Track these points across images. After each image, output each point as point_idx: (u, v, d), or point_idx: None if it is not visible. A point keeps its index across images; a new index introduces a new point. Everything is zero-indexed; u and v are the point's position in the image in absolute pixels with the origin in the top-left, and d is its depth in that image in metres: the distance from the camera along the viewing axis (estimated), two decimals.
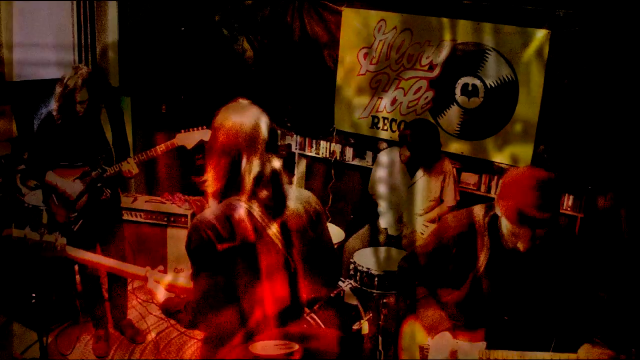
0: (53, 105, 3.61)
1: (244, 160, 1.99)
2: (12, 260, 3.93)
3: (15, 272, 4.03)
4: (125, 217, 4.87)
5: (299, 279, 2.18)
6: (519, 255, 2.38)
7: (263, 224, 2.02)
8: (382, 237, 4.38)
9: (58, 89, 3.57)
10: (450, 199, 4.28)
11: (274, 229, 2.05)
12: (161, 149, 3.82)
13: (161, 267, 2.34)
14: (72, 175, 3.73)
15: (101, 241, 3.94)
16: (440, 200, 4.31)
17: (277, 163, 2.06)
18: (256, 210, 2.01)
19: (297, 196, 2.16)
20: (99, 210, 3.83)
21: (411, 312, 2.71)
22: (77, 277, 4.35)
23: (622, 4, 3.98)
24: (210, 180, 2.03)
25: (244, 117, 2.03)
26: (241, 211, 1.99)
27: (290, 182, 2.18)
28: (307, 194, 2.24)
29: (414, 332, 2.64)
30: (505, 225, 2.35)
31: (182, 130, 3.84)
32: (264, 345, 2.08)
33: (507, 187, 2.32)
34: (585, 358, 2.29)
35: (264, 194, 2.02)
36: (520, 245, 2.33)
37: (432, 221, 4.27)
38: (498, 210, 2.37)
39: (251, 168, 1.99)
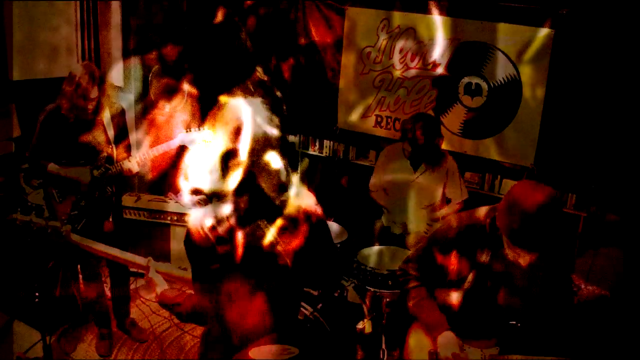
0: (60, 102, 3.60)
1: (241, 161, 1.96)
2: (16, 251, 3.93)
3: (18, 269, 4.04)
4: (129, 216, 4.87)
5: (296, 281, 2.18)
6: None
7: (260, 227, 2.01)
8: (385, 236, 4.37)
9: (68, 87, 3.55)
10: (456, 196, 4.26)
11: (271, 230, 2.03)
12: (162, 149, 3.83)
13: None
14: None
15: (102, 241, 3.93)
16: (445, 200, 4.29)
17: (278, 163, 2.04)
18: (253, 214, 2.00)
19: (294, 198, 2.14)
20: (101, 209, 3.84)
21: (412, 318, 2.70)
22: (80, 276, 4.37)
23: (626, 4, 3.97)
24: (207, 182, 2.01)
25: (240, 117, 1.99)
26: (238, 215, 1.98)
27: (289, 183, 2.15)
28: (305, 193, 2.22)
29: (421, 340, 2.62)
30: (504, 239, 2.34)
31: (189, 129, 3.85)
32: (263, 350, 2.07)
33: (507, 204, 2.27)
34: None
35: (260, 196, 2.00)
36: (522, 261, 2.31)
37: (436, 220, 4.25)
38: (498, 223, 2.35)
39: (247, 168, 1.97)
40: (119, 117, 3.86)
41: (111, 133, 3.78)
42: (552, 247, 2.27)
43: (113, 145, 3.80)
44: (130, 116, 5.54)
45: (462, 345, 2.49)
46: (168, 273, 2.24)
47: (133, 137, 4.60)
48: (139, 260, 2.32)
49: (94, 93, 3.57)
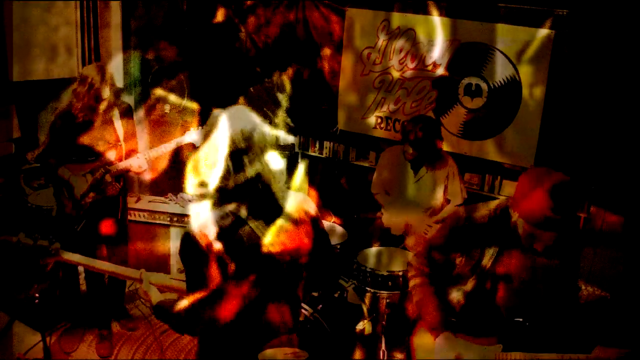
0: (72, 103, 3.64)
1: (236, 164, 1.96)
2: (11, 264, 3.94)
3: (17, 271, 4.04)
4: (129, 216, 4.87)
5: (294, 285, 2.17)
6: (530, 254, 2.38)
7: (256, 230, 2.00)
8: (385, 237, 4.37)
9: (81, 88, 3.60)
10: (457, 197, 4.26)
11: (267, 235, 2.02)
12: (170, 146, 3.86)
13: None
14: (84, 170, 3.76)
15: (107, 240, 3.94)
16: (447, 201, 4.29)
17: (274, 166, 2.03)
18: (249, 217, 1.99)
19: (291, 200, 2.13)
20: (106, 207, 3.85)
21: (411, 319, 2.70)
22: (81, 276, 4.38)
23: (626, 4, 3.97)
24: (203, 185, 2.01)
25: (233, 120, 1.99)
26: (234, 218, 1.98)
27: (288, 185, 2.15)
28: (302, 197, 2.20)
29: (426, 340, 2.61)
30: (521, 225, 2.35)
31: (191, 128, 3.87)
32: (272, 353, 2.06)
33: (523, 188, 2.32)
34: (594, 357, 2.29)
35: (257, 199, 2.00)
36: (538, 246, 2.34)
37: (436, 222, 4.26)
38: (513, 211, 2.37)
39: (243, 172, 1.96)
40: (127, 115, 3.91)
41: (120, 131, 3.83)
42: (569, 228, 2.30)
43: (122, 142, 3.84)
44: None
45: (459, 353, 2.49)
46: (162, 284, 2.23)
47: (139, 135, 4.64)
48: (132, 273, 2.31)
49: (106, 93, 3.64)
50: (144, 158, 3.81)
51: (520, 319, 2.46)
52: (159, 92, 5.70)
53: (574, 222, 2.34)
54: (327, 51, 5.22)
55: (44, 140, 3.77)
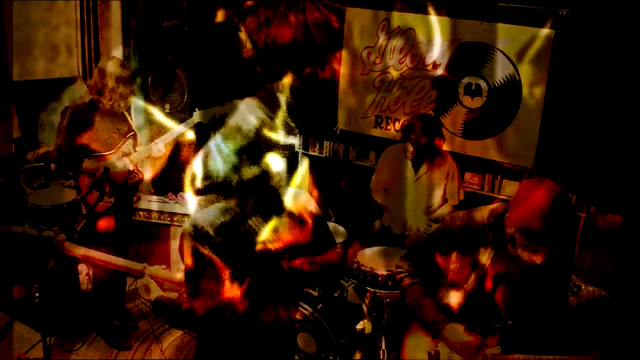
0: (99, 98, 3.67)
1: (234, 160, 1.97)
2: (13, 257, 3.95)
3: (18, 269, 4.04)
4: None
5: (295, 282, 2.17)
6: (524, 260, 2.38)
7: (256, 227, 2.01)
8: (385, 236, 4.37)
9: (110, 82, 3.64)
10: (454, 198, 4.27)
11: (267, 232, 2.03)
12: (182, 129, 3.92)
13: (164, 266, 2.33)
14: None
15: (113, 238, 3.95)
16: (444, 200, 4.30)
17: (274, 163, 2.04)
18: (251, 213, 2.00)
19: (292, 198, 2.14)
20: (123, 195, 3.90)
21: (411, 318, 2.70)
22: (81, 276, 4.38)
23: (626, 4, 3.97)
24: (201, 181, 2.02)
25: (242, 117, 2.01)
26: (234, 215, 1.98)
27: (287, 183, 2.16)
28: (303, 195, 2.21)
29: (419, 340, 2.61)
30: (518, 239, 2.33)
31: (197, 109, 3.97)
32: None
33: (518, 203, 2.29)
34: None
35: (257, 196, 2.01)
36: (536, 259, 2.30)
37: (435, 221, 4.26)
38: (509, 225, 2.34)
39: (249, 169, 1.97)
40: (134, 106, 4.03)
41: (131, 121, 3.89)
42: (564, 241, 2.29)
43: (136, 131, 3.92)
44: None
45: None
46: (163, 277, 2.24)
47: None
48: (135, 266, 2.31)
49: (128, 78, 3.72)
50: (162, 143, 3.86)
51: (510, 322, 2.46)
52: (159, 91, 5.70)
53: (570, 233, 2.30)
54: (327, 51, 5.21)
55: (59, 141, 3.76)
